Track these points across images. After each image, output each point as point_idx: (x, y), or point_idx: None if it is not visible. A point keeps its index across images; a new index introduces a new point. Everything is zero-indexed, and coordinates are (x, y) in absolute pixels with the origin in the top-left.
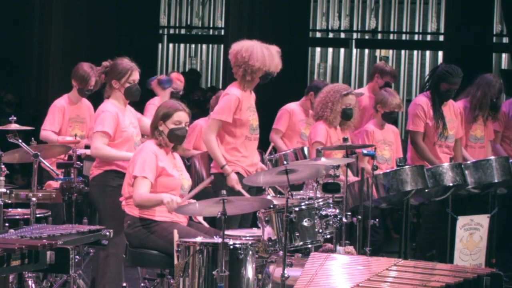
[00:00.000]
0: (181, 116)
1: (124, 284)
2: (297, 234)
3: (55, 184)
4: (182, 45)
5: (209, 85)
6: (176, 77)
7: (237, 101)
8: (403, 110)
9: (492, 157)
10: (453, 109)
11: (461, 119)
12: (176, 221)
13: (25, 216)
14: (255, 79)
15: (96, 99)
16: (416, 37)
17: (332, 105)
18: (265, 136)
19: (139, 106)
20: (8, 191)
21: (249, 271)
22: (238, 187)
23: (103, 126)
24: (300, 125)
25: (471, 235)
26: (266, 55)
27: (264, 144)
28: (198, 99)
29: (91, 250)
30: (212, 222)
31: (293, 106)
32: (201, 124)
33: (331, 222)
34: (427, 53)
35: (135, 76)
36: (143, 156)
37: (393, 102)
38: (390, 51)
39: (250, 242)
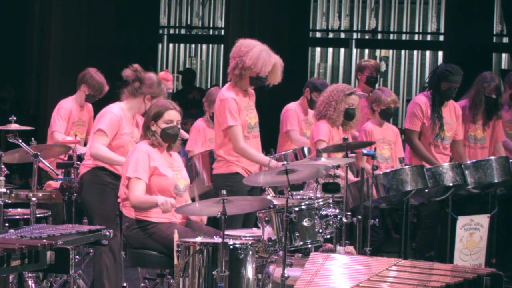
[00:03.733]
0: (172, 114)
1: (124, 284)
2: (297, 234)
3: (55, 184)
4: (182, 45)
5: (209, 85)
6: (164, 76)
7: (234, 102)
8: (399, 105)
9: (492, 157)
10: (454, 110)
11: (461, 120)
12: (174, 221)
13: (25, 216)
14: (244, 77)
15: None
16: (416, 37)
17: (335, 104)
18: (265, 136)
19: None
20: (8, 191)
21: (249, 271)
22: (274, 164)
23: (105, 126)
24: (301, 125)
25: (471, 235)
26: (261, 58)
27: (264, 144)
28: (194, 98)
29: (91, 250)
30: (214, 222)
31: (294, 106)
32: (200, 124)
33: (331, 222)
34: (427, 53)
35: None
36: (136, 157)
37: (387, 98)
38: (390, 51)
39: (250, 242)
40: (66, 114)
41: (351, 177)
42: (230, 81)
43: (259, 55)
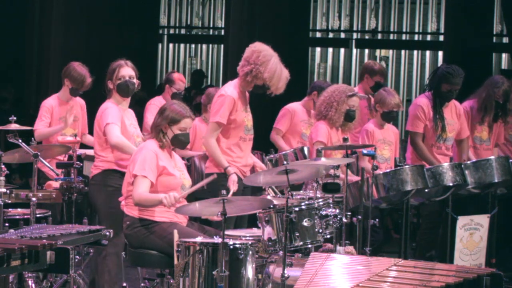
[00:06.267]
0: (188, 122)
1: (124, 284)
2: (297, 234)
3: (55, 184)
4: (182, 45)
5: (209, 85)
6: (178, 77)
7: (232, 102)
8: (403, 109)
9: (492, 157)
10: (455, 110)
11: (467, 119)
12: (175, 221)
13: (25, 216)
14: (252, 83)
15: (91, 98)
16: (416, 37)
17: (337, 105)
18: (265, 136)
19: (141, 107)
20: (8, 191)
21: (249, 271)
22: (234, 188)
23: (110, 119)
24: (301, 126)
25: (471, 235)
26: (276, 73)
27: (264, 144)
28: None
29: (91, 250)
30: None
31: (295, 106)
32: (196, 124)
33: (331, 222)
34: (427, 53)
35: (124, 72)
36: (144, 155)
37: (391, 101)
38: (390, 51)
39: (250, 242)
40: (48, 111)
41: (351, 176)
42: (236, 80)
43: (275, 70)
